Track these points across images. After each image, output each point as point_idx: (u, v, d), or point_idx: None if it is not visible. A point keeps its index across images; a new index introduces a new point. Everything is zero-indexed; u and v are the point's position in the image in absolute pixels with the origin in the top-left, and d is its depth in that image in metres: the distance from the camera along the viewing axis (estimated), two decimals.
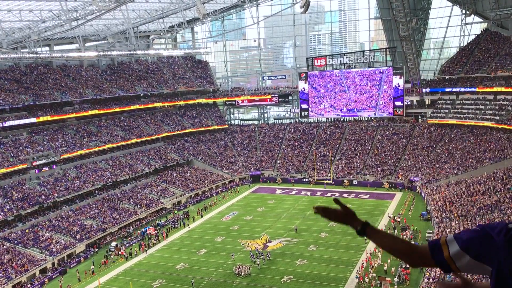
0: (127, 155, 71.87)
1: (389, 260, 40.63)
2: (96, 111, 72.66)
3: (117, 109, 76.30)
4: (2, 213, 50.26)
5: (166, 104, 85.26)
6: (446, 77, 77.85)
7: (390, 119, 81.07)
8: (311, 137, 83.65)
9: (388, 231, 47.94)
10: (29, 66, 71.39)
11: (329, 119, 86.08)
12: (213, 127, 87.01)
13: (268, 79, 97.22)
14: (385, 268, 39.40)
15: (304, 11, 56.58)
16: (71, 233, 51.33)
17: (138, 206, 60.87)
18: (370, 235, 2.95)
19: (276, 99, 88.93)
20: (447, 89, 76.27)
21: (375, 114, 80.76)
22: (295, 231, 50.60)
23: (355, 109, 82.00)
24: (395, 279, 37.13)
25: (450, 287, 2.99)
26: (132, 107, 78.87)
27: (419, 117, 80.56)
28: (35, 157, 60.12)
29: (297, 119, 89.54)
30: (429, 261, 2.73)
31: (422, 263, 2.83)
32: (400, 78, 77.60)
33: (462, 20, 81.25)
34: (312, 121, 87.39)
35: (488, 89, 70.43)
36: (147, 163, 72.02)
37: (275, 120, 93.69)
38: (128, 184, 66.00)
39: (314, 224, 53.28)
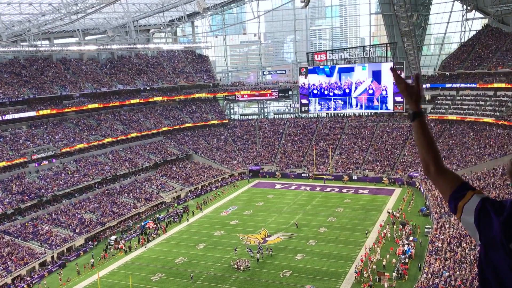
0: (126, 149, 71.88)
1: (388, 255, 40.74)
2: (96, 105, 72.61)
3: (117, 103, 76.25)
4: (1, 207, 50.32)
5: (166, 99, 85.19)
6: (447, 73, 77.75)
7: (390, 115, 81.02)
8: (310, 132, 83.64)
9: (387, 226, 48.16)
10: (29, 60, 71.24)
11: (329, 114, 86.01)
12: (213, 122, 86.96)
13: (268, 73, 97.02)
14: (384, 263, 39.50)
15: (304, 5, 56.45)
16: (70, 226, 51.42)
17: (138, 200, 60.94)
18: (417, 126, 2.95)
19: (276, 94, 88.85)
20: (448, 85, 76.21)
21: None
22: (295, 226, 50.67)
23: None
24: (394, 274, 37.23)
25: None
26: (132, 101, 78.81)
27: None
28: (34, 150, 60.13)
29: (297, 114, 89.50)
30: (445, 192, 2.77)
31: (437, 184, 2.85)
32: (401, 73, 77.37)
33: (463, 16, 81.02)
34: (312, 116, 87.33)
35: (489, 85, 70.35)
36: (146, 157, 72.04)
37: (275, 115, 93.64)
38: (128, 178, 66.05)
39: (313, 219, 53.42)
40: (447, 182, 2.78)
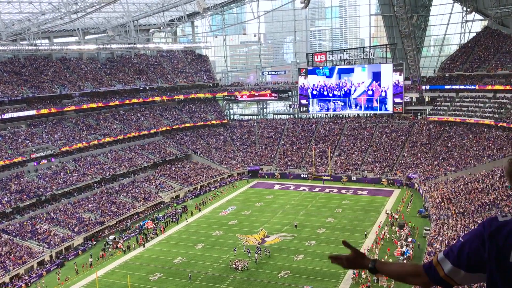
0: (125, 148, 71.86)
1: (386, 257, 40.76)
2: (95, 105, 72.58)
3: (116, 103, 76.21)
4: (0, 205, 50.27)
5: (165, 98, 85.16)
6: (446, 75, 77.83)
7: (389, 116, 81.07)
8: (310, 132, 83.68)
9: (386, 227, 48.17)
10: (29, 59, 71.20)
11: (328, 115, 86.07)
12: (212, 122, 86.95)
13: (268, 74, 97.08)
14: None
15: (304, 6, 56.43)
16: (69, 226, 51.39)
17: (137, 199, 60.91)
18: (380, 268, 3.02)
19: (275, 95, 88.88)
20: (447, 87, 76.27)
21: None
22: (295, 227, 50.66)
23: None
24: None
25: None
26: (131, 101, 78.78)
27: (418, 114, 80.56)
28: (33, 149, 60.09)
29: (296, 115, 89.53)
30: (429, 282, 2.80)
31: (429, 284, 2.86)
32: (400, 75, 77.55)
33: (462, 18, 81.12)
34: (311, 117, 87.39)
35: (488, 87, 70.41)
36: (145, 157, 72.01)
37: (274, 116, 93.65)
38: (127, 178, 66.03)
39: (312, 219, 53.42)
40: (416, 272, 2.83)
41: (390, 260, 40.03)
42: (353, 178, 70.11)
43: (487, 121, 66.67)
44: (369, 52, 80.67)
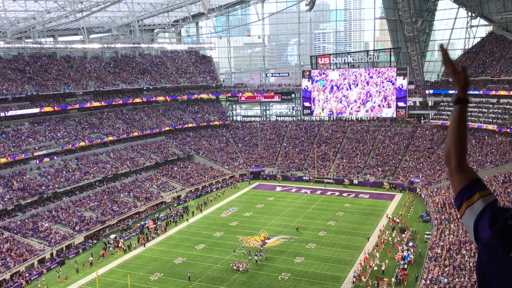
0: (128, 148, 71.94)
1: (387, 261, 40.67)
2: (99, 103, 72.71)
3: (120, 102, 76.31)
4: (2, 203, 50.37)
5: (168, 99, 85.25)
6: (450, 79, 77.50)
7: (392, 120, 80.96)
8: (312, 135, 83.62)
9: (387, 232, 48.05)
10: (33, 57, 71.40)
11: (331, 117, 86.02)
12: (215, 123, 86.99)
13: (272, 76, 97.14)
14: (383, 268, 39.42)
15: (309, 9, 56.51)
16: (70, 224, 51.46)
17: (138, 199, 60.96)
18: (457, 111, 2.84)
19: (278, 97, 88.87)
20: (451, 91, 76.13)
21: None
22: (296, 230, 50.58)
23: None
24: (393, 279, 37.16)
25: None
26: (135, 101, 78.89)
27: (422, 118, 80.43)
28: (36, 147, 60.21)
29: (299, 117, 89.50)
30: (455, 188, 2.71)
31: (452, 179, 2.78)
32: (404, 79, 77.46)
33: (467, 23, 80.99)
34: (314, 119, 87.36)
35: (492, 93, 70.25)
36: (148, 156, 72.08)
37: (277, 118, 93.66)
38: (129, 177, 66.09)
39: (313, 222, 53.36)
40: (462, 179, 2.71)
41: (387, 261, 39.96)
42: (355, 181, 70.00)
43: (490, 127, 66.51)
44: (373, 55, 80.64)
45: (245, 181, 73.96)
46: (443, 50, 2.81)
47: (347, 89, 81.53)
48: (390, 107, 79.15)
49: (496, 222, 2.45)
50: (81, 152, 65.53)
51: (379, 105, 79.83)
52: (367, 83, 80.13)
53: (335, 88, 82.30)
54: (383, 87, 79.01)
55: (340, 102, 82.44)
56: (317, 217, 55.36)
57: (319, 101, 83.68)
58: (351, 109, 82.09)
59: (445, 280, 34.04)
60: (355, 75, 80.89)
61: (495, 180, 52.62)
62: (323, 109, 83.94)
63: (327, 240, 47.61)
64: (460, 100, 2.84)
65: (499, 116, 66.91)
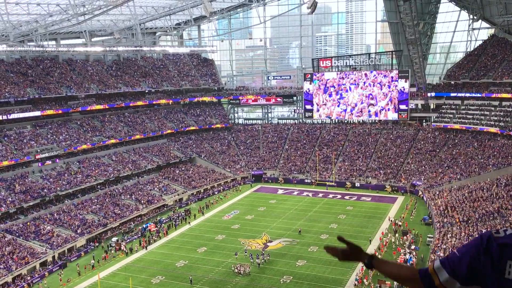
0: (130, 151, 72.01)
1: None
2: (101, 106, 72.82)
3: (122, 105, 76.40)
4: (4, 205, 50.44)
5: (170, 101, 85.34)
6: (452, 82, 77.63)
7: (394, 123, 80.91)
8: (314, 138, 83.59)
9: (388, 235, 47.95)
10: (35, 60, 71.58)
11: (333, 120, 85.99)
12: (216, 126, 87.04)
13: (273, 79, 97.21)
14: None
15: (311, 11, 56.55)
16: (72, 227, 51.48)
17: (140, 202, 60.96)
18: (377, 266, 2.98)
19: (280, 99, 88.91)
20: (452, 94, 76.05)
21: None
22: (298, 233, 50.49)
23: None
24: (395, 282, 37.04)
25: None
26: (137, 103, 78.99)
27: (424, 121, 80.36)
28: (38, 150, 60.30)
29: (301, 120, 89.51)
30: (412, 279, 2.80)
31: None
32: (406, 81, 77.41)
33: (469, 25, 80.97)
34: (316, 122, 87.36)
35: (494, 96, 70.16)
36: (150, 159, 72.12)
37: (279, 120, 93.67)
38: (131, 180, 66.12)
39: (315, 225, 53.29)
40: (413, 281, 2.81)
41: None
42: (357, 184, 69.92)
43: (492, 129, 66.40)
44: (374, 58, 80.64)
45: (247, 184, 73.95)
46: (327, 250, 3.13)
47: (346, 91, 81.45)
48: (396, 111, 79.09)
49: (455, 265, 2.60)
50: (83, 155, 65.61)
51: (383, 109, 79.71)
52: (369, 84, 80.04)
53: (331, 89, 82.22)
54: (389, 88, 78.96)
55: (338, 105, 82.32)
56: (319, 220, 55.30)
57: (318, 105, 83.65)
58: (351, 113, 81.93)
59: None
60: (353, 78, 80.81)
61: (497, 183, 52.49)
62: (319, 114, 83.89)
63: (330, 243, 46.72)
64: (369, 263, 3.00)
65: (501, 118, 66.80)
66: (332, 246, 3.09)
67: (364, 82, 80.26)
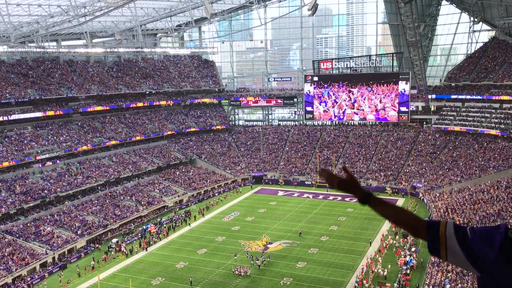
0: (130, 152, 72.02)
1: (389, 266, 40.52)
2: (101, 108, 72.87)
3: (122, 106, 76.44)
4: (4, 206, 50.44)
5: (171, 103, 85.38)
6: (452, 84, 77.62)
7: (394, 125, 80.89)
8: (315, 140, 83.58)
9: (389, 237, 47.86)
10: (36, 61, 71.66)
11: (334, 122, 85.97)
12: (217, 127, 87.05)
13: (274, 80, 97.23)
14: (385, 273, 39.28)
15: (311, 13, 56.52)
16: (72, 228, 51.47)
17: (140, 203, 60.95)
18: (373, 204, 2.86)
19: (281, 101, 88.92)
20: (453, 96, 76.03)
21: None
22: (299, 234, 50.45)
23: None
24: (395, 284, 37.01)
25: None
26: (137, 105, 79.02)
27: (424, 123, 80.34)
28: (39, 151, 60.32)
29: (301, 122, 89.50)
30: (423, 238, 2.68)
31: (421, 238, 2.74)
32: (406, 83, 77.42)
33: (470, 28, 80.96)
34: (316, 124, 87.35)
35: (495, 98, 70.13)
36: (150, 160, 72.12)
37: (279, 122, 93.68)
38: (131, 181, 66.11)
39: (315, 227, 53.24)
40: (420, 229, 2.68)
41: (389, 266, 39.84)
42: None
43: (493, 132, 66.36)
44: (375, 60, 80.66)
45: (247, 186, 73.92)
46: (321, 173, 2.96)
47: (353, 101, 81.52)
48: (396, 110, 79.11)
49: (491, 240, 2.43)
50: (83, 156, 65.63)
51: (384, 108, 79.74)
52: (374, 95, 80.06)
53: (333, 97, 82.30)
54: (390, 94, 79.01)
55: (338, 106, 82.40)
56: (319, 222, 55.25)
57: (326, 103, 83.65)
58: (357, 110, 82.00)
59: (448, 285, 33.91)
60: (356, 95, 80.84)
61: (498, 185, 52.45)
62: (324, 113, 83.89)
63: (330, 245, 47.49)
64: (364, 199, 2.88)
65: (502, 121, 66.76)
66: (329, 171, 2.95)
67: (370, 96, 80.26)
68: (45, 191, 55.67)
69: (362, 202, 2.91)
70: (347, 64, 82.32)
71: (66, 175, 60.33)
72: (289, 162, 78.96)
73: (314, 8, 55.15)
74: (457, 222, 35.33)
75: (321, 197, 66.52)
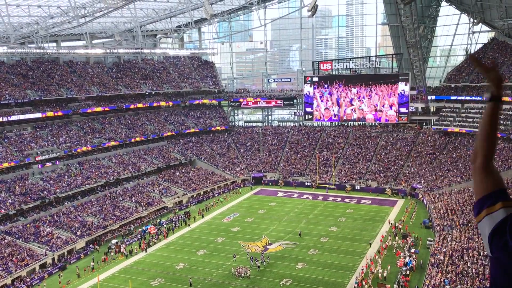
0: (130, 153, 72.00)
1: (389, 267, 40.51)
2: (101, 108, 72.86)
3: (122, 107, 76.44)
4: (4, 207, 50.41)
5: (170, 104, 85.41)
6: (452, 85, 77.69)
7: (394, 125, 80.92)
8: (314, 140, 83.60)
9: (388, 238, 47.83)
10: (36, 62, 71.66)
11: (333, 123, 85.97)
12: (217, 128, 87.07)
13: (274, 81, 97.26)
14: (385, 274, 39.27)
15: (311, 14, 56.48)
16: (72, 229, 51.44)
17: (140, 204, 60.92)
18: (490, 108, 2.87)
19: (280, 102, 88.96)
20: (453, 97, 76.12)
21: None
22: (299, 235, 50.44)
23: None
24: (395, 285, 37.00)
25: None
26: (137, 106, 79.02)
27: (424, 124, 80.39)
28: (38, 152, 60.30)
29: (301, 123, 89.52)
30: (478, 192, 2.66)
31: (476, 179, 2.71)
32: (406, 84, 77.46)
33: (469, 29, 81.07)
34: (316, 124, 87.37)
35: None
36: (150, 161, 72.11)
37: (279, 123, 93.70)
38: (130, 182, 66.10)
39: (315, 228, 53.23)
40: (486, 183, 2.65)
41: (389, 267, 39.82)
42: (357, 187, 69.87)
43: None
44: (375, 61, 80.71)
45: (247, 187, 73.91)
46: (472, 59, 2.82)
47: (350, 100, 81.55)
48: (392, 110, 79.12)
49: None
50: (83, 157, 65.61)
51: (381, 110, 79.77)
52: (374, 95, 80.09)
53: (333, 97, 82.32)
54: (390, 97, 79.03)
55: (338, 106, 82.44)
56: (319, 223, 55.23)
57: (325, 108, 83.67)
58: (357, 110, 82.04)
59: (448, 286, 33.89)
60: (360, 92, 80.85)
61: None
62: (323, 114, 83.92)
63: (329, 246, 47.47)
64: (494, 97, 2.84)
65: (501, 122, 66.79)
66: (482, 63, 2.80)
67: (370, 95, 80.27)
68: (45, 192, 55.64)
69: (490, 99, 2.87)
70: (346, 65, 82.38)
71: (66, 176, 60.31)
72: (288, 163, 78.97)
73: (314, 9, 55.15)
74: (457, 223, 35.08)
75: (320, 198, 66.52)
